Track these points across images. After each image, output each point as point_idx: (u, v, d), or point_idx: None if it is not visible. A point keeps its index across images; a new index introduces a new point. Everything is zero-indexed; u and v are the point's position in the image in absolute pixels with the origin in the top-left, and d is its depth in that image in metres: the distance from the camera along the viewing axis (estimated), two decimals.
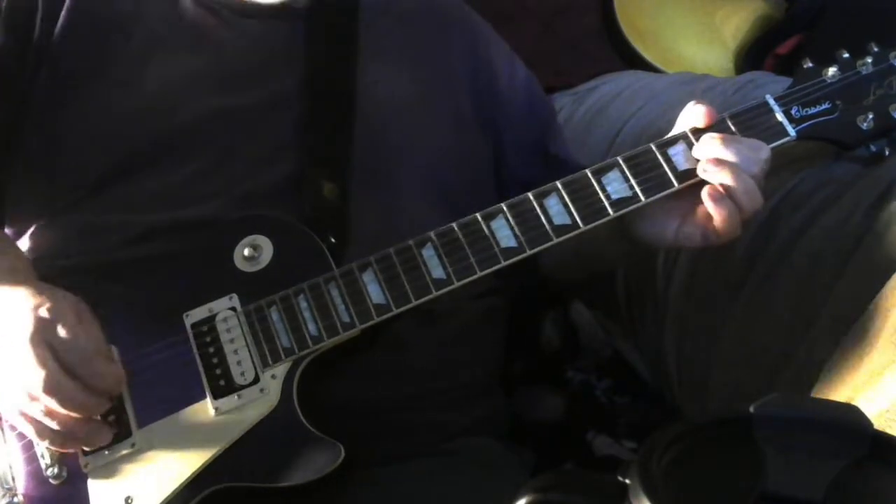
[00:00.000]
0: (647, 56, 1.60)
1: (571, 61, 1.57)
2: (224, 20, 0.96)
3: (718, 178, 0.80)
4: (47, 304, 0.74)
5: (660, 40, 1.64)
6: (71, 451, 0.78)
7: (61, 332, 0.73)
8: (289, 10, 0.98)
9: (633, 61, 1.59)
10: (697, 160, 0.82)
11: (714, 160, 0.81)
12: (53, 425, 0.75)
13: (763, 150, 0.82)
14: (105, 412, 0.79)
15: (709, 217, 0.81)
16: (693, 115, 0.84)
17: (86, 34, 0.94)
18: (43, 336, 0.73)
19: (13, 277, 0.80)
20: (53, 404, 0.73)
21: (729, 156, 0.80)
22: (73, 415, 0.74)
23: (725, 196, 0.80)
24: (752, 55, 1.63)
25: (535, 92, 1.08)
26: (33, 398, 0.73)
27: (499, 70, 1.04)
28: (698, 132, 0.84)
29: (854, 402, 0.69)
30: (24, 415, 0.75)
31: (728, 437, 0.48)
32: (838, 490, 0.43)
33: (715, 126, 0.84)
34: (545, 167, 0.90)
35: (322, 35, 0.96)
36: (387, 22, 1.01)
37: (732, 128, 0.84)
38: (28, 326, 0.73)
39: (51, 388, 0.72)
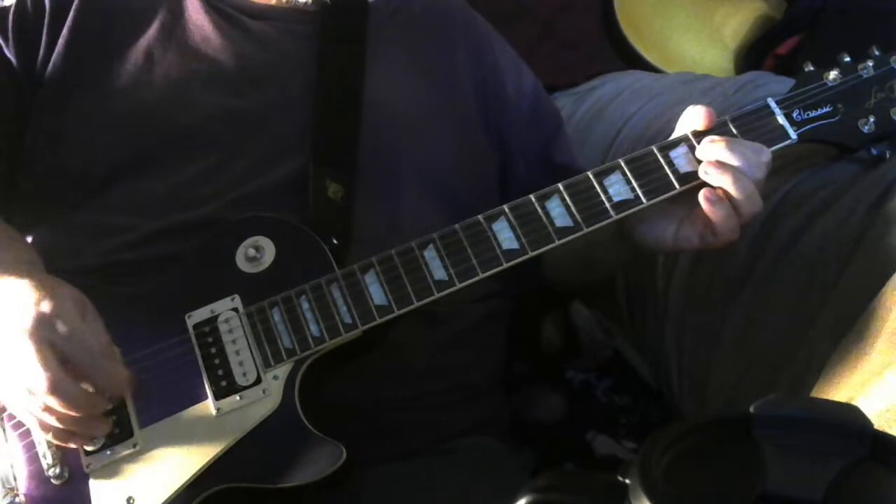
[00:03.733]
0: (647, 56, 1.61)
1: (571, 61, 1.57)
2: (232, 22, 0.97)
3: (719, 181, 0.80)
4: (49, 299, 0.73)
5: (660, 40, 1.64)
6: (72, 446, 0.78)
7: (63, 329, 0.72)
8: (298, 13, 0.98)
9: (633, 61, 1.59)
10: (699, 162, 0.83)
11: (716, 163, 0.81)
12: (54, 422, 0.74)
13: (764, 153, 0.82)
14: (107, 412, 0.79)
15: (706, 219, 0.82)
16: (693, 116, 0.85)
17: (92, 35, 0.95)
18: (44, 333, 0.72)
19: (17, 268, 0.79)
20: (55, 403, 0.73)
21: (731, 159, 0.80)
22: (74, 414, 0.74)
23: (723, 199, 0.80)
24: (752, 55, 1.64)
25: (541, 100, 1.08)
26: (35, 395, 0.73)
27: (505, 77, 1.04)
28: (700, 135, 0.84)
29: (854, 402, 0.70)
30: (25, 410, 0.75)
31: (728, 437, 0.48)
32: (838, 490, 0.44)
33: (716, 128, 0.84)
34: (552, 176, 0.90)
35: (331, 38, 0.97)
36: (395, 26, 1.01)
37: (734, 130, 0.84)
38: (29, 322, 0.72)
39: (54, 389, 0.72)
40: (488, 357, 1.00)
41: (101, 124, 0.92)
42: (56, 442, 0.78)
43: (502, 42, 1.08)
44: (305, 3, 0.98)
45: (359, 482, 0.81)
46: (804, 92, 0.87)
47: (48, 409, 0.73)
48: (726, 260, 1.02)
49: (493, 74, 1.03)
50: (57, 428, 0.75)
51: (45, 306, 0.73)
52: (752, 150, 0.81)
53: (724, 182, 0.80)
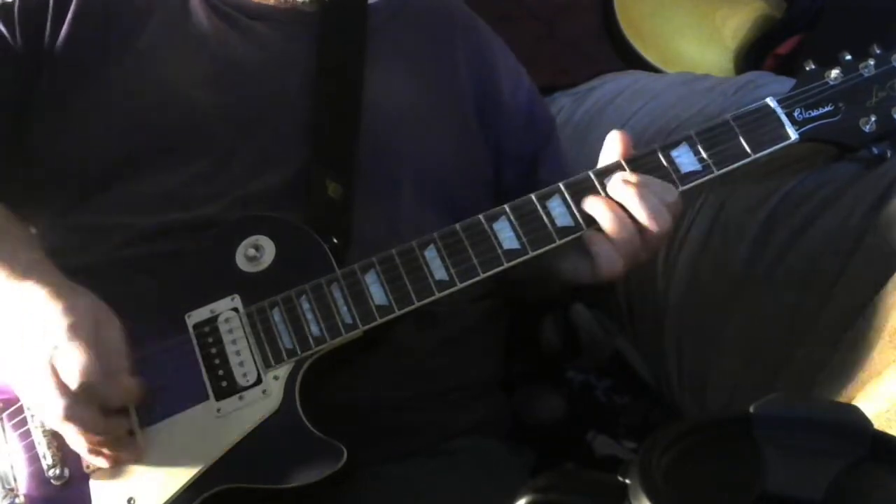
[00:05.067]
0: (647, 56, 1.61)
1: (571, 61, 1.57)
2: (232, 21, 0.97)
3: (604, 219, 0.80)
4: (65, 317, 0.74)
5: (660, 40, 1.64)
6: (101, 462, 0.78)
7: (77, 355, 0.72)
8: (297, 13, 0.98)
9: (633, 61, 1.59)
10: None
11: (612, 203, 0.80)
12: (76, 435, 0.75)
13: (669, 194, 0.80)
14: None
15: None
16: (611, 142, 0.84)
17: (92, 33, 0.95)
18: (58, 360, 0.73)
19: (32, 271, 0.79)
20: (71, 428, 0.74)
21: (623, 196, 0.79)
22: (92, 437, 0.75)
23: (603, 239, 0.80)
24: (752, 55, 1.64)
25: (536, 105, 1.08)
26: (54, 417, 0.74)
27: (503, 80, 1.03)
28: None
29: (854, 402, 0.70)
30: (50, 418, 0.76)
31: (728, 437, 0.49)
32: (838, 490, 0.44)
33: (716, 128, 0.84)
34: (536, 182, 0.90)
35: (330, 38, 0.97)
36: (395, 26, 1.01)
37: (736, 129, 0.84)
38: (44, 347, 0.73)
39: (70, 417, 0.73)
40: (488, 357, 1.00)
41: (100, 123, 0.92)
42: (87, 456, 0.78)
43: (501, 44, 1.08)
44: (304, 3, 0.97)
45: (359, 482, 0.81)
46: (805, 91, 0.87)
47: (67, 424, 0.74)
48: (727, 260, 1.03)
49: (490, 76, 1.03)
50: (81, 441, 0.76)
51: (60, 326, 0.73)
52: (658, 188, 0.80)
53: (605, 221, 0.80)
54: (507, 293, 1.01)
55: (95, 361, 0.73)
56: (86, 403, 0.73)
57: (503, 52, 1.07)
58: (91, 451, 0.76)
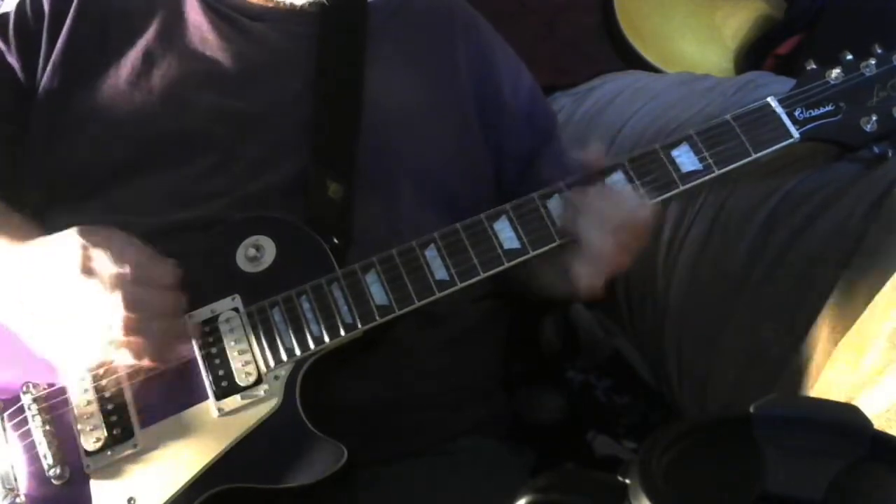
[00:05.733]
0: (647, 56, 1.60)
1: (571, 61, 1.57)
2: (231, 23, 0.96)
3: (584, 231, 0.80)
4: (81, 236, 0.76)
5: (660, 40, 1.64)
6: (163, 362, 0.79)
7: (105, 255, 0.75)
8: (297, 14, 0.98)
9: (633, 61, 1.59)
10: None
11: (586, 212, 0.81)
12: (142, 345, 0.76)
13: (642, 208, 0.81)
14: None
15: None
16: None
17: (90, 37, 0.95)
18: (96, 262, 0.75)
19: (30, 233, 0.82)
20: (136, 320, 0.75)
21: (595, 209, 0.81)
22: (159, 315, 0.76)
23: (586, 252, 0.81)
24: (752, 55, 1.64)
25: (537, 104, 1.07)
26: (114, 326, 0.75)
27: (503, 79, 1.03)
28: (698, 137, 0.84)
29: (854, 402, 0.70)
30: (112, 344, 0.76)
31: (728, 437, 0.49)
32: (838, 490, 0.44)
33: (718, 127, 0.84)
34: (538, 182, 0.90)
35: (330, 38, 0.97)
36: (395, 25, 1.01)
37: (736, 128, 0.84)
38: (75, 266, 0.75)
39: (131, 304, 0.74)
40: (488, 357, 1.00)
41: (100, 126, 0.92)
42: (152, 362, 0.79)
43: (503, 43, 1.08)
44: (303, 4, 0.97)
45: (359, 482, 0.81)
46: (806, 90, 0.87)
47: (136, 330, 0.75)
48: (727, 260, 1.03)
49: (491, 76, 1.02)
50: (150, 345, 0.77)
51: (80, 239, 0.76)
52: (626, 199, 0.81)
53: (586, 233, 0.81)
54: (507, 293, 1.01)
55: (122, 251, 0.75)
56: (143, 284, 0.75)
57: (504, 51, 1.07)
58: (158, 347, 0.77)
